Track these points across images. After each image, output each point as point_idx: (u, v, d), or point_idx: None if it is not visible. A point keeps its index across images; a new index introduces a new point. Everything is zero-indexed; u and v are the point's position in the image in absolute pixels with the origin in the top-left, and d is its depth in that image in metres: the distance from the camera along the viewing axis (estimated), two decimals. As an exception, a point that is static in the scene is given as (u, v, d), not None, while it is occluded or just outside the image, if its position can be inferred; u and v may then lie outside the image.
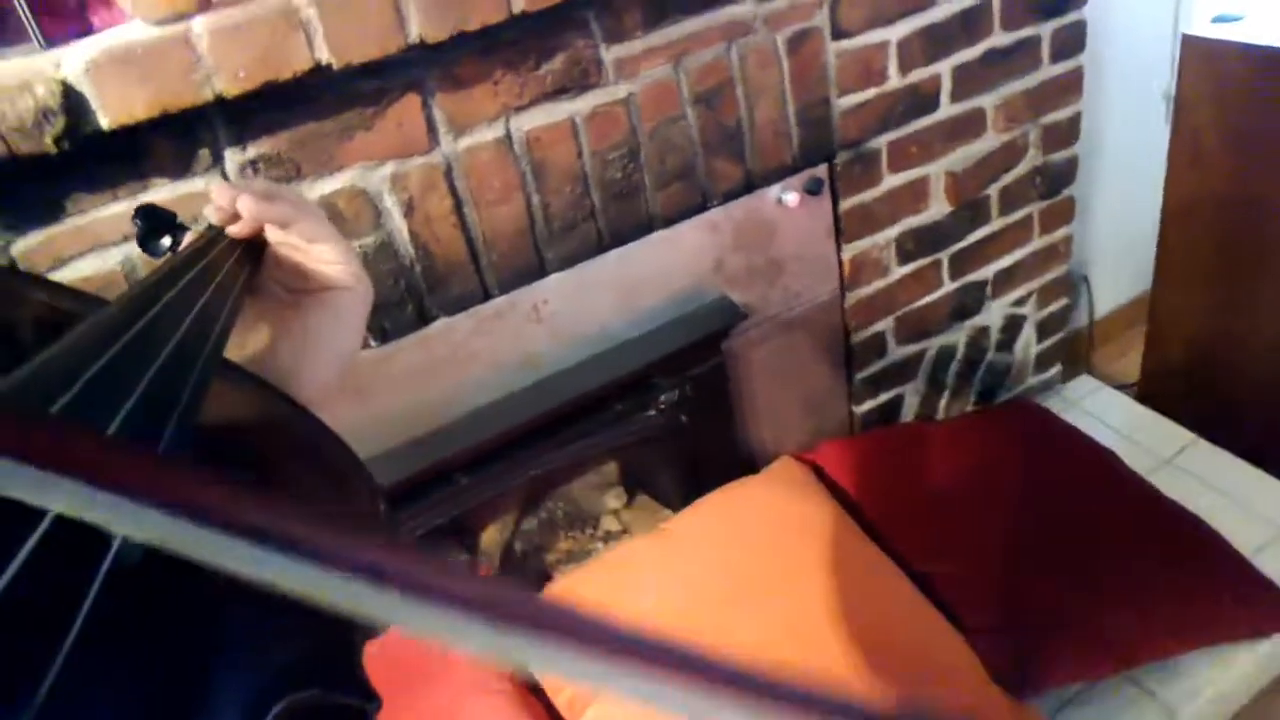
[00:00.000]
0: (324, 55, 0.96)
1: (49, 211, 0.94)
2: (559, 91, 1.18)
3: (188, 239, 0.51)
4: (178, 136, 0.96)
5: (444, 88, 1.10)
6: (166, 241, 0.52)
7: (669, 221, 1.35)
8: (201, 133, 0.98)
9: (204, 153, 0.99)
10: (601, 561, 1.55)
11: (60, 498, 0.19)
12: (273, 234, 0.50)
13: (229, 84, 0.92)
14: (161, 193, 0.98)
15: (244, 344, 0.50)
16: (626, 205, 1.30)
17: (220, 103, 0.93)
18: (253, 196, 0.48)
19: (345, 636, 0.34)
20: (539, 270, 1.27)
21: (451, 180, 1.15)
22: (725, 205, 1.40)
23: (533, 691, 1.38)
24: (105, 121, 0.89)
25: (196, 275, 0.41)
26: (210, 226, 0.50)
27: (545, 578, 1.68)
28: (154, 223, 0.52)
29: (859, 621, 1.35)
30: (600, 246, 1.31)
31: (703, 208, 1.37)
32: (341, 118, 1.05)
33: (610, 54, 1.19)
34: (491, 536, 1.66)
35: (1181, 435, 1.90)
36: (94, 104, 0.87)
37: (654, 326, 1.42)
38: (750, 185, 1.40)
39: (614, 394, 1.43)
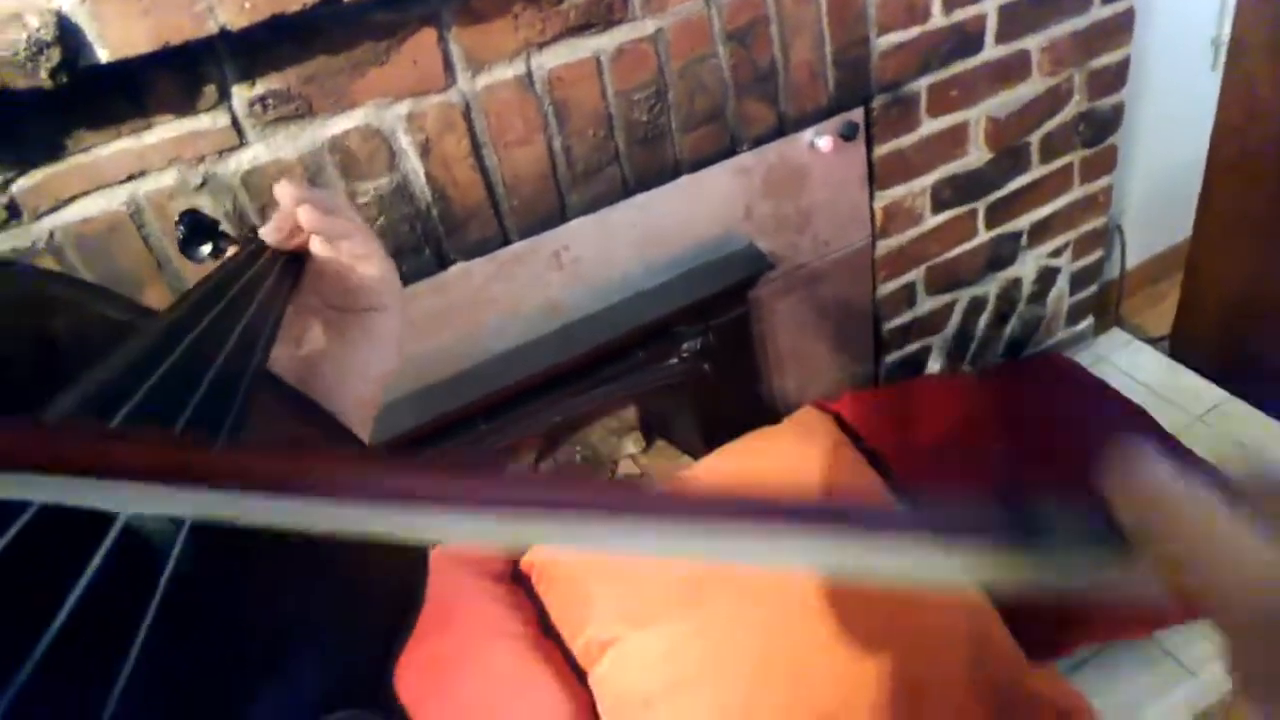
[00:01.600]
0: (333, -15, 0.88)
1: (49, 149, 0.87)
2: (583, 27, 1.09)
3: (231, 249, 0.50)
4: (182, 71, 0.89)
5: (461, 21, 1.01)
6: (207, 249, 0.51)
7: (696, 166, 1.27)
8: (207, 67, 0.91)
9: (210, 88, 0.92)
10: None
11: (135, 499, 0.20)
12: (322, 248, 0.47)
13: (234, 15, 0.85)
14: (167, 130, 0.92)
15: (282, 360, 0.48)
16: (652, 148, 1.22)
17: (225, 35, 0.86)
18: (314, 209, 0.46)
19: (379, 652, 0.33)
20: (560, 215, 1.20)
21: (470, 120, 1.07)
22: (756, 149, 1.31)
23: (547, 635, 1.36)
24: (104, 54, 0.82)
25: (241, 289, 0.40)
26: (251, 236, 0.48)
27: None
28: (196, 228, 0.52)
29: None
30: (624, 191, 1.23)
31: (732, 152, 1.29)
32: (354, 52, 0.97)
33: (638, -14, 1.10)
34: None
35: (1213, 393, 1.82)
36: (91, 36, 0.80)
37: (678, 274, 1.35)
38: (782, 129, 1.31)
39: (636, 341, 1.37)
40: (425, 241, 1.11)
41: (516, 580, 1.43)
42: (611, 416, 1.70)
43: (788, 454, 1.51)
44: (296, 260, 0.48)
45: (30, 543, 0.19)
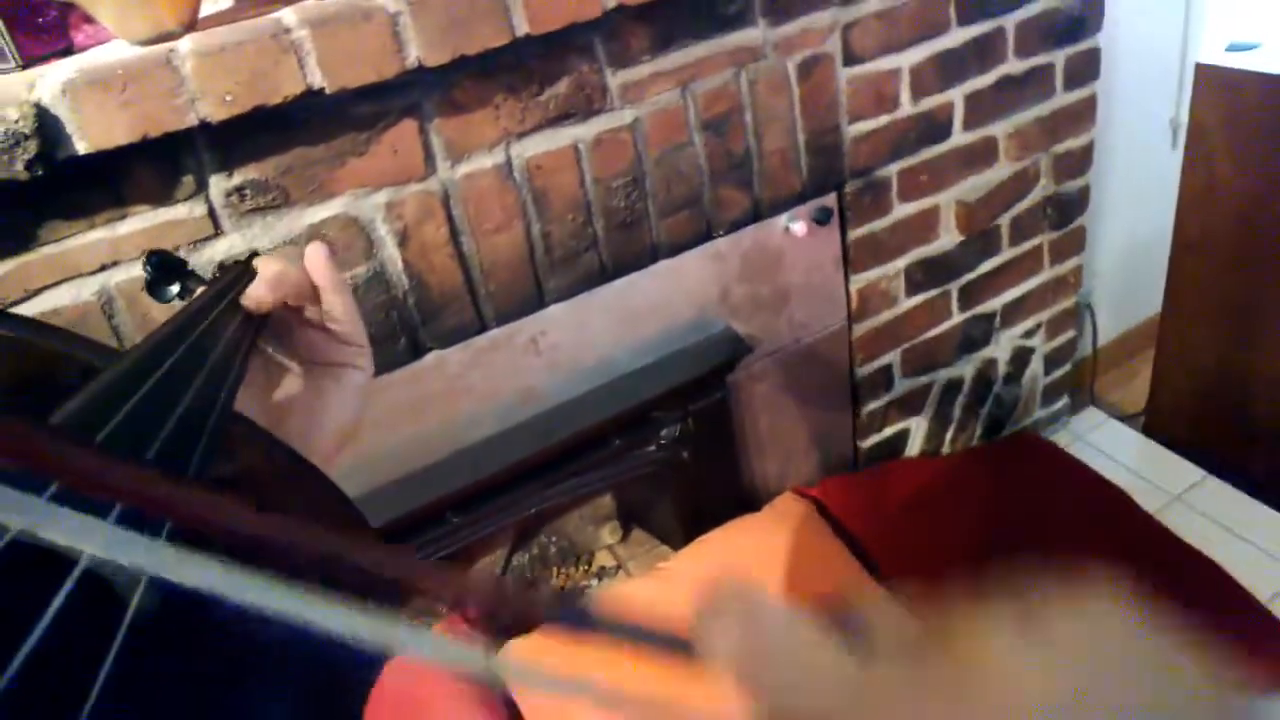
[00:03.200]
0: (316, 79, 0.92)
1: (21, 239, 0.88)
2: (562, 117, 1.14)
3: (199, 290, 0.51)
4: (160, 162, 0.92)
5: (443, 112, 1.06)
6: (175, 289, 0.52)
7: (673, 251, 1.31)
8: (185, 158, 0.93)
9: (188, 179, 0.94)
10: (597, 604, 1.50)
11: (97, 540, 0.20)
12: (298, 303, 0.49)
13: (215, 108, 0.88)
14: (142, 221, 0.93)
15: (251, 407, 0.48)
16: (630, 234, 1.26)
17: (205, 127, 0.89)
18: (323, 263, 0.48)
19: (350, 691, 0.33)
20: (538, 301, 1.23)
21: (449, 208, 1.11)
22: (731, 234, 1.36)
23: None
24: (82, 146, 0.84)
25: (208, 327, 0.40)
26: (219, 277, 0.49)
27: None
28: (164, 269, 0.52)
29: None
30: (603, 276, 1.26)
31: (708, 237, 1.33)
32: (334, 143, 1.00)
33: (616, 79, 1.15)
34: (480, 571, 1.61)
35: (1191, 471, 1.88)
36: (70, 128, 0.83)
37: (656, 359, 1.38)
38: (758, 214, 1.36)
39: (614, 429, 1.38)
40: (401, 329, 1.13)
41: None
42: (587, 505, 1.70)
43: (767, 543, 1.52)
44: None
45: None
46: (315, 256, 0.49)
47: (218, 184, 0.96)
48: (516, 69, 1.09)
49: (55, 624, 0.20)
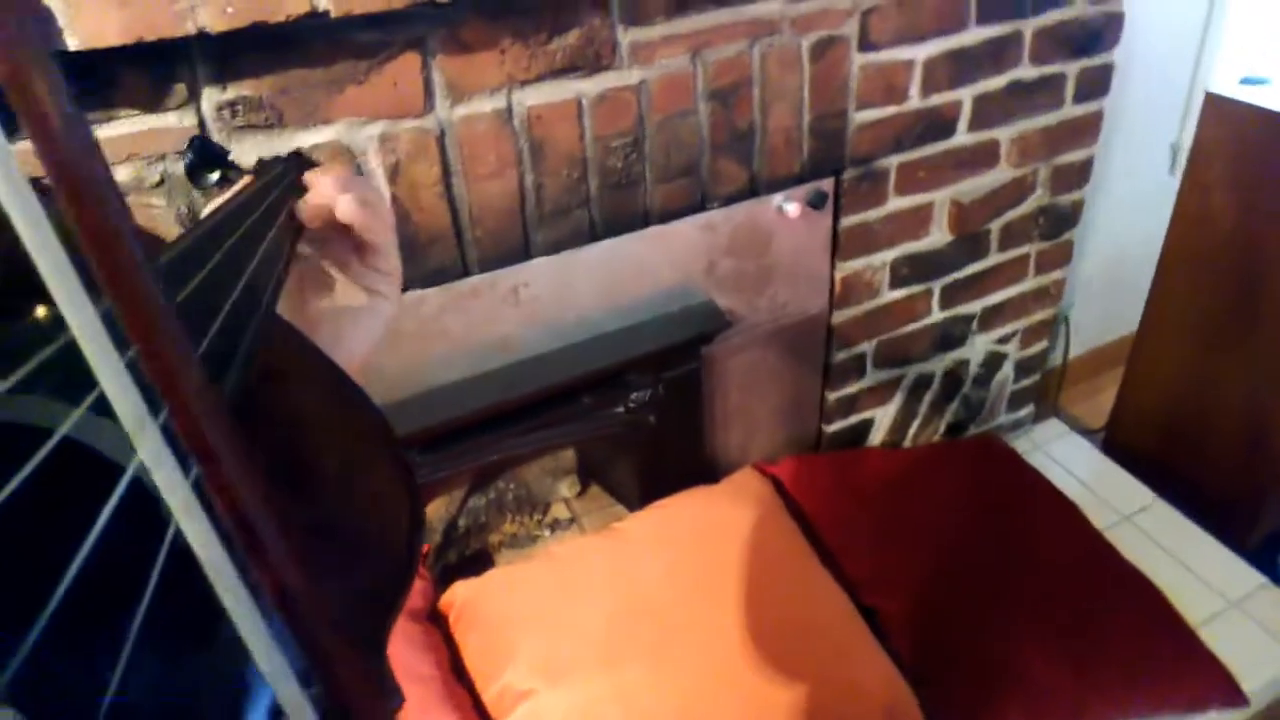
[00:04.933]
0: (323, 1, 0.90)
1: None
2: (568, 69, 1.13)
3: (239, 184, 0.50)
4: (152, 68, 0.90)
5: (447, 50, 1.04)
6: (214, 176, 0.52)
7: (665, 217, 1.31)
8: (179, 67, 0.91)
9: (179, 88, 0.92)
10: (548, 554, 1.53)
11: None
12: (349, 219, 0.48)
13: (215, 19, 0.86)
14: (129, 125, 0.92)
15: (285, 313, 0.48)
16: (624, 196, 1.26)
17: (203, 37, 0.87)
18: (357, 201, 0.47)
19: (378, 614, 0.33)
20: (524, 252, 1.23)
21: (443, 148, 1.10)
22: (725, 208, 1.36)
23: (460, 680, 1.36)
24: (73, 42, 0.82)
25: (255, 224, 0.39)
26: (260, 168, 0.48)
27: (487, 558, 1.66)
28: (204, 155, 0.52)
29: (798, 649, 1.35)
30: (591, 235, 1.26)
31: (701, 207, 1.34)
32: (333, 68, 0.99)
33: (627, 36, 1.14)
34: (436, 510, 1.63)
35: (1143, 494, 1.93)
36: (62, 20, 0.81)
37: (635, 323, 1.39)
38: (754, 190, 1.36)
39: (584, 386, 1.39)
40: (381, 264, 1.13)
41: (433, 620, 1.43)
42: (549, 458, 1.72)
43: (721, 514, 1.55)
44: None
45: (43, 481, 0.18)
46: (325, 186, 0.48)
47: (210, 96, 0.94)
48: (527, 14, 1.07)
49: (104, 538, 0.19)
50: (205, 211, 0.41)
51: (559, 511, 1.75)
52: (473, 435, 1.33)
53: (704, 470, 1.67)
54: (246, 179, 0.50)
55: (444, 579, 1.49)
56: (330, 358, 0.42)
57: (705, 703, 1.27)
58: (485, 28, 1.05)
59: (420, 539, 0.38)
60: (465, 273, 1.20)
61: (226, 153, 0.53)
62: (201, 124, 0.95)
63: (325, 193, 0.47)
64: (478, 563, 1.63)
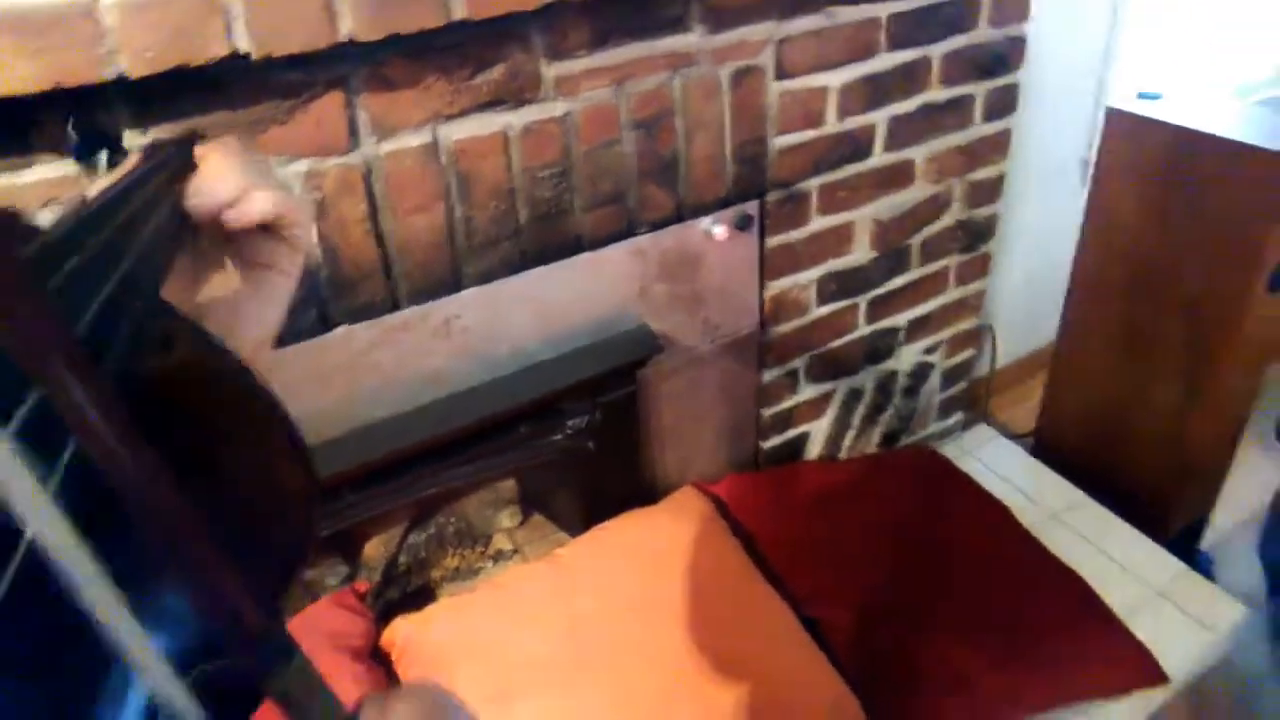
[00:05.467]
0: (243, 43, 0.92)
1: (-89, 181, 0.86)
2: (493, 103, 1.16)
3: (127, 164, 0.47)
4: (71, 113, 0.90)
5: (371, 88, 1.07)
6: (104, 155, 0.50)
7: (595, 244, 1.35)
8: (97, 112, 0.92)
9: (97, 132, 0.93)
10: (491, 584, 1.54)
11: None
12: (268, 216, 0.46)
13: (134, 64, 0.87)
14: (48, 170, 0.92)
15: (175, 299, 0.45)
16: (553, 225, 1.29)
17: (122, 82, 0.88)
18: (271, 197, 0.44)
19: (271, 589, 0.33)
20: (454, 284, 1.25)
21: (369, 184, 1.12)
22: (653, 233, 1.41)
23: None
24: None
25: (140, 207, 0.38)
26: (150, 150, 0.46)
27: (429, 594, 1.66)
28: (89, 135, 0.51)
29: (744, 665, 1.38)
30: (521, 264, 1.29)
31: (630, 233, 1.38)
32: (256, 109, 1.00)
33: (551, 70, 1.18)
34: (375, 548, 1.62)
35: (1070, 492, 2.02)
36: (-25, 69, 0.81)
37: (569, 350, 1.42)
38: (680, 215, 1.41)
39: (520, 416, 1.42)
40: (310, 301, 1.14)
41: (376, 658, 1.42)
42: (488, 489, 1.73)
43: (662, 534, 1.58)
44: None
45: None
46: (268, 175, 0.45)
47: (131, 140, 0.95)
48: (450, 51, 1.10)
49: None
50: (90, 193, 0.40)
51: (501, 543, 1.76)
52: (408, 470, 1.34)
53: (644, 492, 1.70)
54: (134, 160, 0.47)
55: (386, 617, 1.49)
56: (218, 340, 0.41)
57: (654, 717, 1.30)
58: (408, 65, 1.08)
59: (317, 511, 0.39)
60: (395, 306, 1.21)
61: (113, 135, 0.51)
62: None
63: (222, 191, 0.44)
64: (420, 599, 1.63)
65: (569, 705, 1.31)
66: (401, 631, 1.43)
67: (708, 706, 1.32)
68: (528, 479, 1.75)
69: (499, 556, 1.73)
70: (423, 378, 1.31)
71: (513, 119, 1.19)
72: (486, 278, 1.27)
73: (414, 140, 1.13)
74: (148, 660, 0.22)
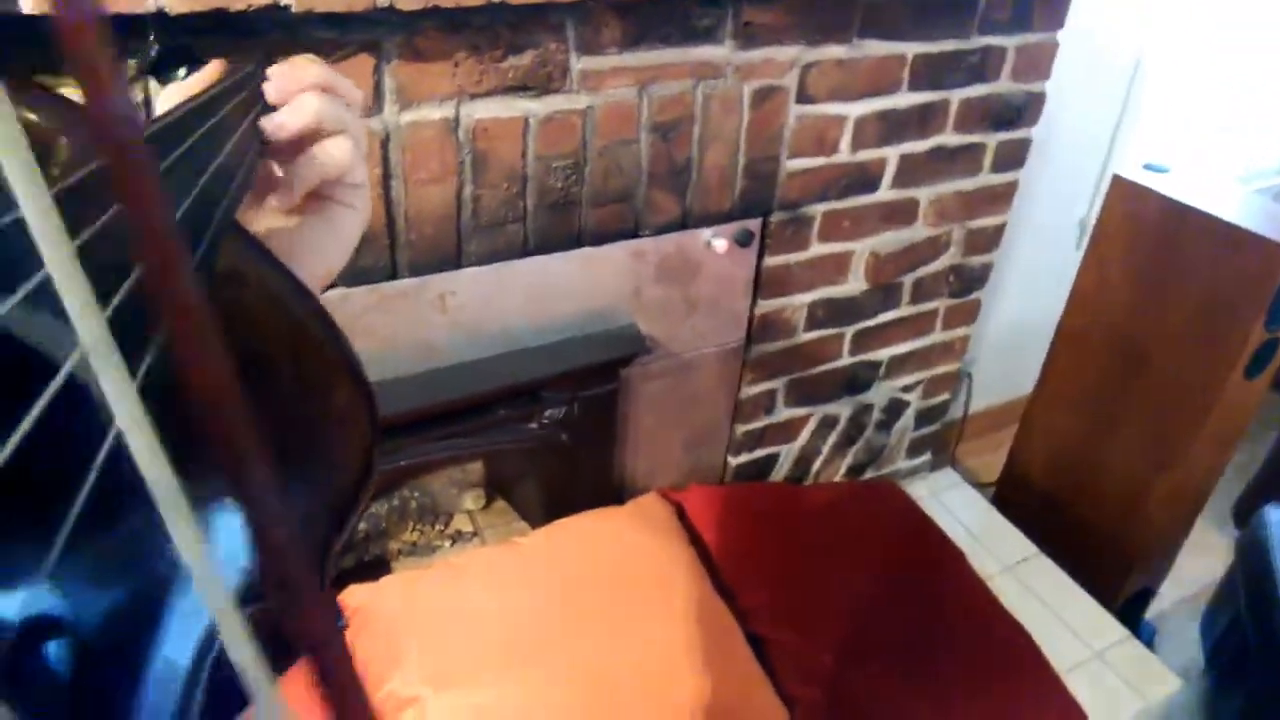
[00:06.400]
0: (286, -4, 0.94)
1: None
2: (519, 88, 1.19)
3: (209, 71, 0.48)
4: (152, 31, 0.92)
5: (402, 55, 1.09)
6: (182, 72, 0.50)
7: (598, 240, 1.38)
8: (132, 44, 0.94)
9: (131, 63, 0.95)
10: (447, 564, 1.56)
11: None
12: (311, 126, 0.45)
13: (176, 0, 0.90)
14: (74, 94, 0.93)
15: (243, 221, 0.46)
16: (559, 215, 1.32)
17: (160, 16, 0.90)
18: (320, 93, 0.44)
19: (330, 524, 0.33)
20: (455, 260, 1.28)
21: (386, 150, 1.14)
22: (656, 237, 1.44)
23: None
24: (26, 4, 0.84)
25: (225, 118, 0.38)
26: (235, 68, 0.46)
27: (384, 565, 1.68)
28: (171, 51, 0.50)
29: (686, 673, 1.42)
30: (524, 250, 1.32)
31: (633, 234, 1.41)
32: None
33: (580, 63, 1.21)
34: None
35: (1025, 546, 2.08)
36: (19, -14, 0.83)
37: (557, 340, 1.45)
38: (685, 223, 1.45)
39: (501, 398, 1.44)
40: (312, 258, 1.16)
41: (323, 621, 1.44)
42: (455, 469, 1.76)
43: (622, 536, 1.62)
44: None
45: None
46: (290, 74, 0.45)
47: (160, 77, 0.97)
48: (485, 30, 1.13)
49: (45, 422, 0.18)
50: (164, 104, 0.39)
51: (462, 523, 1.79)
52: (387, 438, 1.36)
53: (610, 492, 1.73)
54: (214, 71, 0.47)
55: (340, 584, 1.51)
56: (290, 270, 0.41)
57: (596, 707, 1.33)
58: (442, 38, 1.11)
59: (376, 459, 0.38)
60: (395, 275, 1.24)
61: (191, 48, 0.51)
62: (147, 101, 0.97)
63: (302, 110, 0.44)
64: (375, 569, 1.65)
65: (507, 692, 1.34)
66: (354, 599, 1.46)
67: (643, 710, 1.35)
68: (497, 463, 1.78)
69: (458, 537, 1.76)
70: (413, 348, 1.33)
71: (536, 106, 1.22)
72: (488, 258, 1.30)
73: (436, 114, 1.16)
74: (214, 581, 0.21)
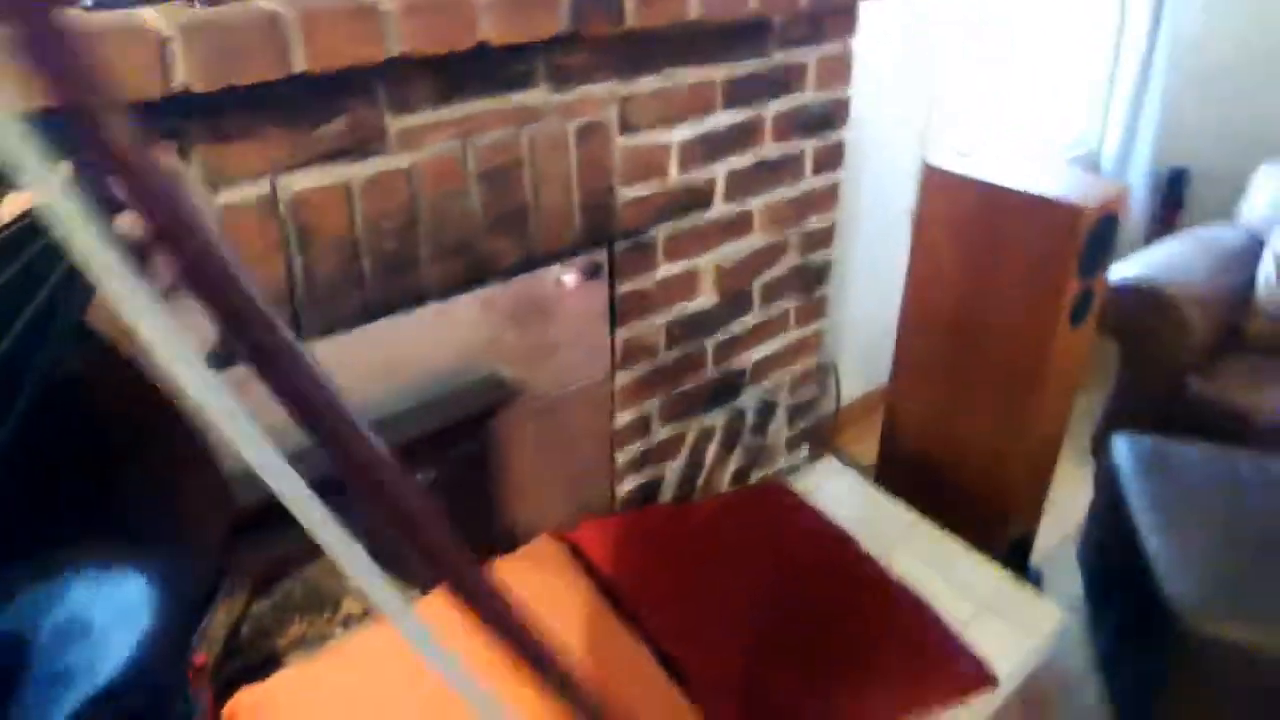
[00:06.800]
0: (67, 95, 0.90)
1: None
2: (336, 154, 1.17)
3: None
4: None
5: (207, 139, 1.06)
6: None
7: (443, 295, 1.37)
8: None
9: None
10: (337, 651, 1.50)
11: None
12: None
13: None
14: None
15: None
16: (399, 275, 1.30)
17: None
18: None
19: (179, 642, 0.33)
20: (294, 336, 1.23)
21: (205, 237, 1.10)
22: (503, 282, 1.44)
23: None
24: None
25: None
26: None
27: (276, 664, 1.59)
28: None
29: (604, 703, 1.41)
30: (366, 316, 1.29)
31: (479, 283, 1.40)
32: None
33: (395, 124, 1.20)
34: (218, 619, 1.55)
35: (909, 518, 2.17)
36: None
37: (417, 402, 1.42)
38: (530, 264, 1.45)
39: (370, 470, 1.40)
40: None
41: (215, 735, 1.36)
42: (336, 546, 1.69)
43: (518, 584, 1.58)
44: None
45: None
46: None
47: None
48: (290, 103, 1.11)
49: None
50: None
51: (351, 607, 1.72)
52: (242, 536, 1.29)
53: (501, 543, 1.70)
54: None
55: (229, 691, 1.42)
56: (135, 362, 0.41)
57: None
58: (247, 117, 1.08)
59: (234, 544, 0.39)
60: (230, 361, 1.19)
61: None
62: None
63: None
64: (265, 670, 1.57)
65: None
66: (244, 704, 1.38)
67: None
68: (374, 538, 1.72)
69: (349, 621, 1.69)
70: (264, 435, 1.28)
71: (356, 170, 1.20)
72: (330, 329, 1.27)
73: (251, 192, 1.12)
74: None
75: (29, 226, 0.41)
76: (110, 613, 0.29)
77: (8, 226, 0.40)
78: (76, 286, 0.38)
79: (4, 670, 0.25)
